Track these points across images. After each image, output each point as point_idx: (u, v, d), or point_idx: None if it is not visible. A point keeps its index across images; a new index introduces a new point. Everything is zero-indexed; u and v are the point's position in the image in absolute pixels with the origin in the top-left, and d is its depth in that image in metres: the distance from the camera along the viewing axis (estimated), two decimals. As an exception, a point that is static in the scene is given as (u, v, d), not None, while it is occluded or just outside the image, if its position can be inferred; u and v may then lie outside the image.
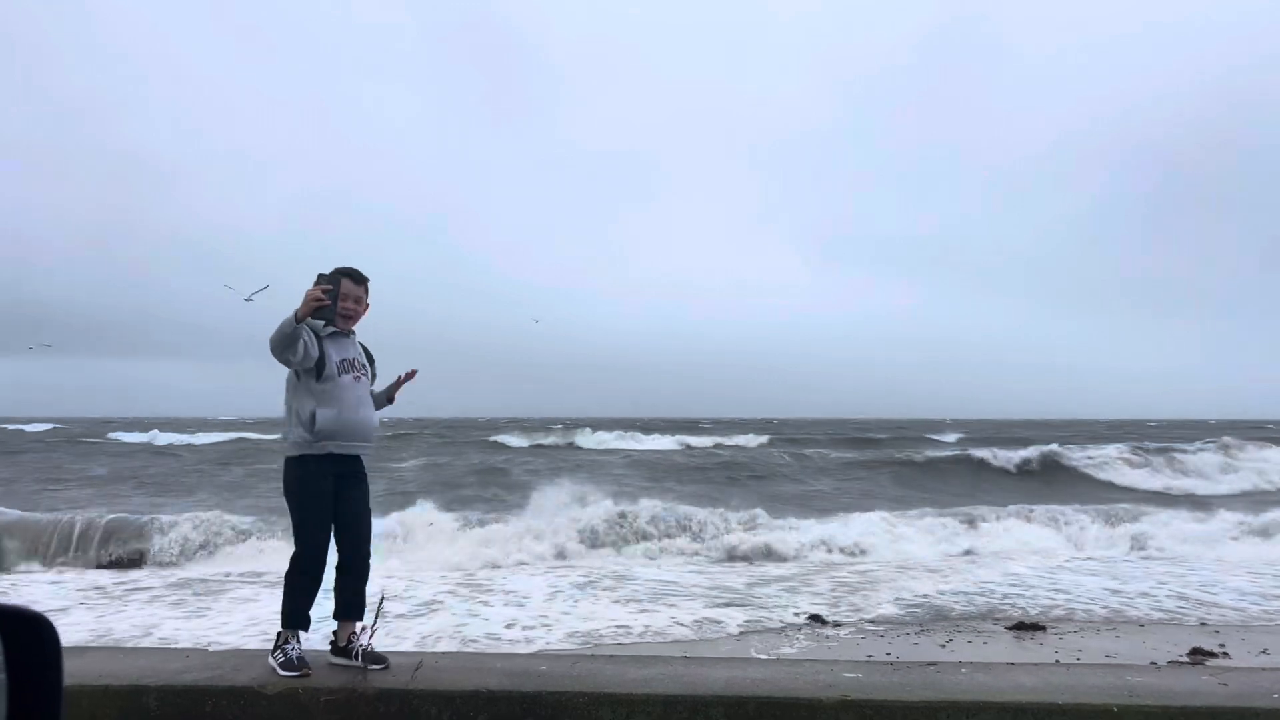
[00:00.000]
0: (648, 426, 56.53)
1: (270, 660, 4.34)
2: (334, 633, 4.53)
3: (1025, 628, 7.35)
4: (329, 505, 4.42)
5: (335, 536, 4.50)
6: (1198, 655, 6.31)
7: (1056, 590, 9.13)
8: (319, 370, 4.34)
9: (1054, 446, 28.17)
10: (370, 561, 4.62)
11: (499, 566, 10.56)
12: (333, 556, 4.51)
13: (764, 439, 42.37)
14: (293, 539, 4.44)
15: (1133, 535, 12.60)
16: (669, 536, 12.29)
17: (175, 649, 5.38)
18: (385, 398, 4.85)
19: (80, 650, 4.98)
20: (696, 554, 11.71)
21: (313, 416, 4.30)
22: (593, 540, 11.98)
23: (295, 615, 4.41)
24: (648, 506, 13.14)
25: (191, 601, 8.31)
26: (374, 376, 4.73)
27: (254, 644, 4.75)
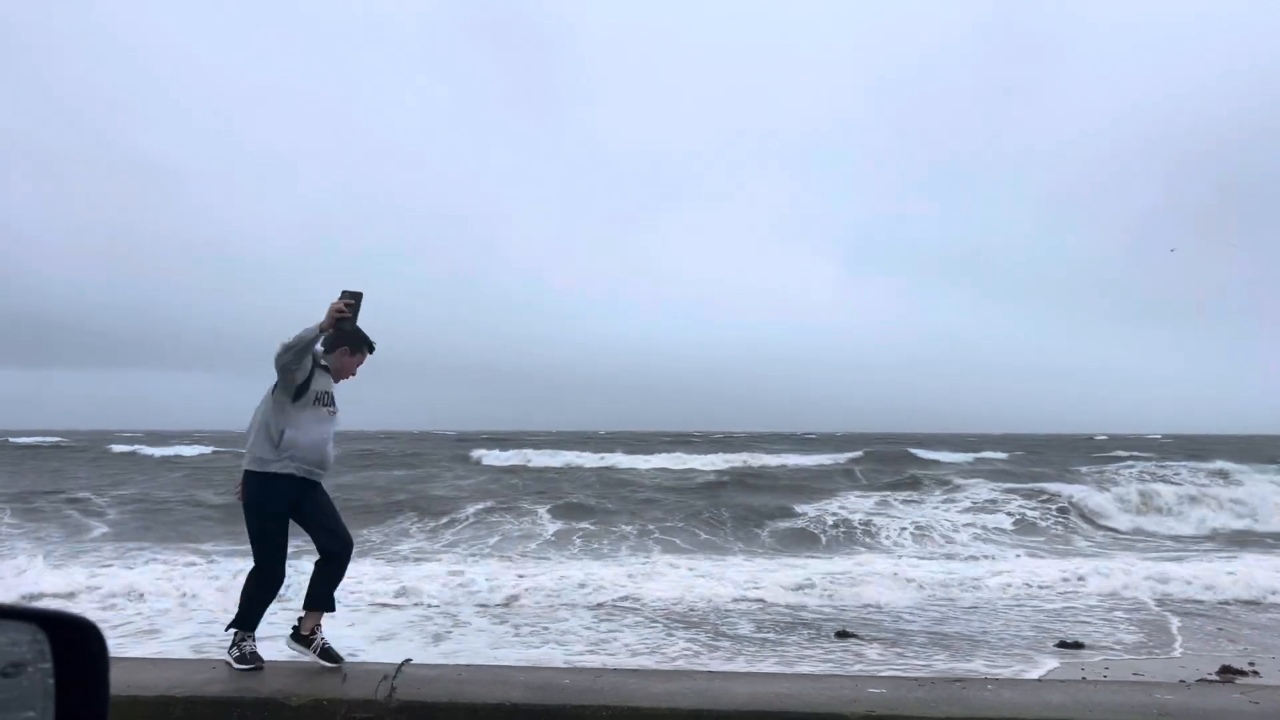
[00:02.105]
0: (691, 442, 53.14)
1: (227, 656, 4.53)
2: (299, 620, 4.67)
3: (1066, 646, 7.26)
4: (287, 523, 4.57)
5: (314, 534, 4.65)
6: (1227, 673, 6.21)
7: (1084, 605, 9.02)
8: (298, 393, 4.47)
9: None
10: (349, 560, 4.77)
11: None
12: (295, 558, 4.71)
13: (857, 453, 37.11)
14: (255, 556, 4.58)
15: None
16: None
17: (202, 660, 5.41)
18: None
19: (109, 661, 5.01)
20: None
21: (281, 435, 4.44)
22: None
23: (252, 621, 4.60)
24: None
25: None
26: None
27: (281, 656, 4.76)
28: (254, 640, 4.56)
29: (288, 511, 4.54)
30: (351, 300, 4.31)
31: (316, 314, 4.41)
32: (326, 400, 4.61)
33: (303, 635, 4.61)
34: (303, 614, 4.68)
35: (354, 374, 4.78)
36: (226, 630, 4.68)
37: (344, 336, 4.60)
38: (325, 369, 4.64)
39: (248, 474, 4.51)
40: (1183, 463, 28.31)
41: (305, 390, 4.48)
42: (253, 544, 4.55)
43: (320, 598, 4.64)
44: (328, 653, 4.57)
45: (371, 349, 4.74)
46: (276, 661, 4.70)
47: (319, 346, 4.54)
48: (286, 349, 4.31)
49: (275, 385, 4.50)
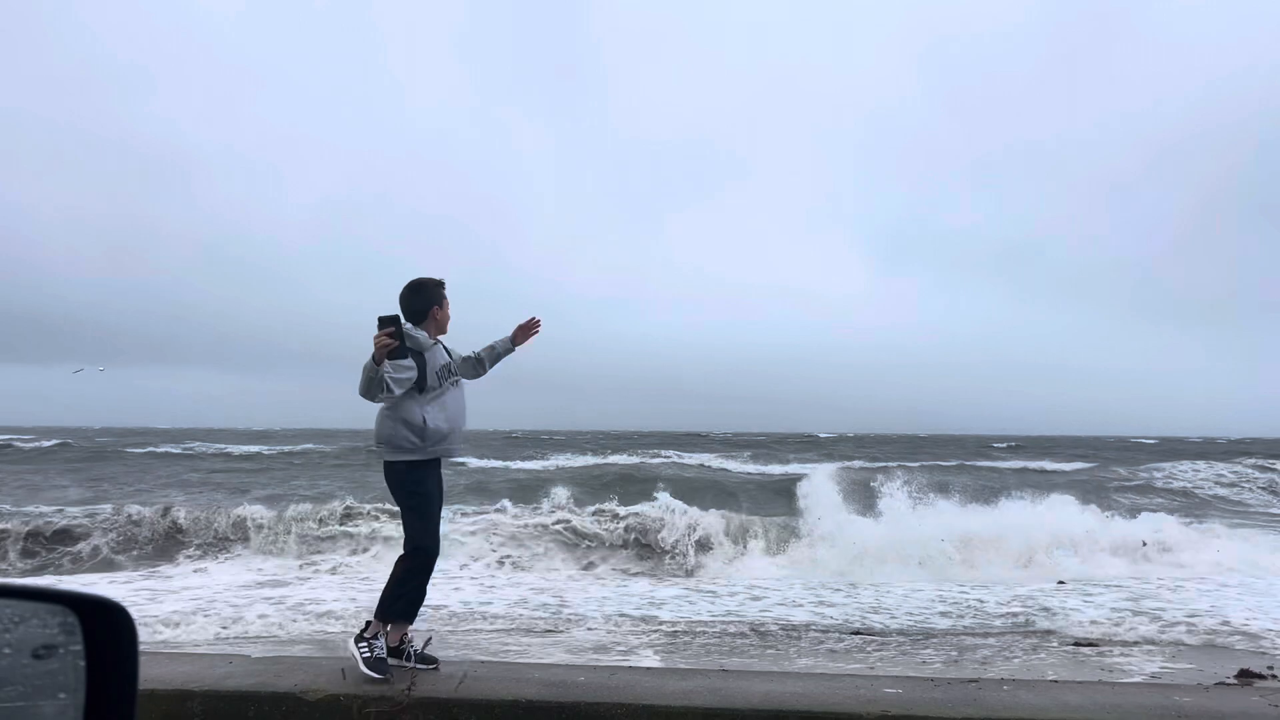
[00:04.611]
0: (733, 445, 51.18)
1: (353, 648, 4.39)
2: (386, 634, 4.58)
3: (1080, 644, 7.21)
4: (438, 500, 4.62)
5: None
6: (1246, 677, 6.16)
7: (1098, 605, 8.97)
8: (421, 384, 4.46)
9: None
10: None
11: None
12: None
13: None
14: (413, 538, 4.53)
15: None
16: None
17: (219, 654, 5.45)
18: (507, 347, 4.95)
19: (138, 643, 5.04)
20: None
21: (424, 423, 4.44)
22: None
23: (405, 609, 4.51)
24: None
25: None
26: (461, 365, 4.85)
27: (300, 651, 4.79)
28: (384, 643, 4.42)
29: (435, 490, 4.59)
30: (391, 328, 4.24)
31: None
32: (447, 372, 4.58)
33: (392, 648, 4.51)
34: (387, 629, 4.53)
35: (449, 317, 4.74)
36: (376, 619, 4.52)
37: (418, 300, 4.57)
38: (429, 342, 4.54)
39: (399, 464, 4.49)
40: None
41: (425, 378, 4.45)
42: (418, 530, 4.50)
43: (401, 610, 4.55)
44: (424, 658, 4.53)
45: (441, 285, 4.68)
46: (295, 656, 4.73)
47: (408, 329, 4.44)
48: (363, 393, 4.31)
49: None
